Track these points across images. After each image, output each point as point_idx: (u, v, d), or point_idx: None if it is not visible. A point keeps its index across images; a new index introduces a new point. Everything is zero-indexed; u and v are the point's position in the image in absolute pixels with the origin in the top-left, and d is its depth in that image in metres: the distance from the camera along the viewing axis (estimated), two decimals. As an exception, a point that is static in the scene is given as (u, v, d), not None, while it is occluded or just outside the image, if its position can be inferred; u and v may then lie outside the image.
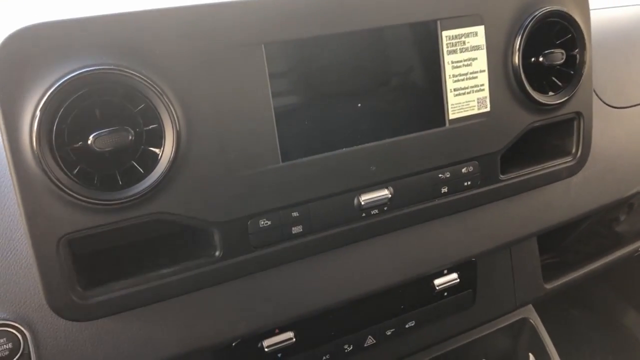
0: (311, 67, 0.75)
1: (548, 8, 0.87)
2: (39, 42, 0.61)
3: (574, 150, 0.99)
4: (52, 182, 0.61)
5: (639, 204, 1.41)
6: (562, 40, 0.92)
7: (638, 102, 1.17)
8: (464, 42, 0.83)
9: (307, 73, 0.75)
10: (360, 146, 0.79)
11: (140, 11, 0.65)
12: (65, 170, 0.62)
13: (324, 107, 0.76)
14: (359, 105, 0.78)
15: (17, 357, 0.68)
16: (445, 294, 1.02)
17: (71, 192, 0.62)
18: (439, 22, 0.81)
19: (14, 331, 0.68)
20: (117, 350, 0.73)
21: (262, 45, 0.70)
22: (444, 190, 0.86)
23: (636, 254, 1.47)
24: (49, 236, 0.63)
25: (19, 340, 0.68)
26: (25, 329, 0.69)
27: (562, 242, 1.44)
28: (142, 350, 0.75)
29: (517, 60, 0.87)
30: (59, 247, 0.64)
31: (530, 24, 0.86)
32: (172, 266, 0.71)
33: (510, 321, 1.19)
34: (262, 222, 0.74)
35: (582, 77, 0.92)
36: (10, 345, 0.68)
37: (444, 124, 0.84)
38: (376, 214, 0.82)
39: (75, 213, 0.64)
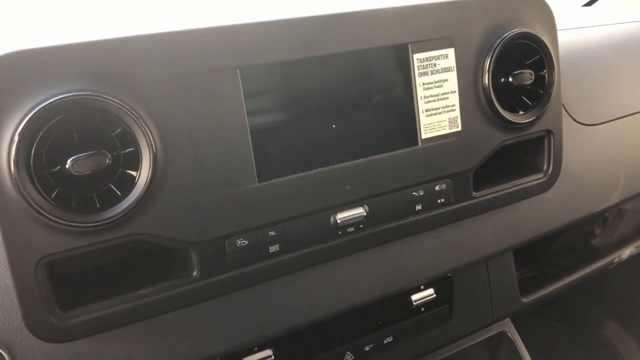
0: (286, 90, 0.77)
1: (516, 30, 0.90)
2: (18, 69, 0.62)
3: (545, 167, 1.02)
4: (30, 205, 0.62)
5: (613, 218, 1.44)
6: (530, 60, 0.94)
7: (607, 119, 1.21)
8: (435, 64, 0.86)
9: (282, 95, 0.77)
10: (335, 166, 0.80)
11: (116, 38, 0.67)
12: (44, 193, 0.63)
13: (300, 128, 0.78)
14: (334, 126, 0.80)
15: (-5, 379, 0.69)
16: (423, 309, 1.04)
17: (49, 215, 0.63)
18: (410, 46, 0.83)
19: (-8, 353, 0.69)
20: (96, 371, 0.74)
21: (238, 70, 0.72)
22: (418, 207, 0.88)
23: (611, 267, 1.50)
24: (27, 258, 0.64)
25: (-2, 362, 0.69)
26: (4, 351, 0.69)
27: (540, 257, 1.46)
28: (121, 370, 0.75)
29: (487, 81, 0.89)
30: (37, 269, 0.65)
31: (500, 45, 0.89)
32: (150, 286, 0.72)
33: (488, 335, 1.20)
34: (239, 242, 0.76)
35: (551, 97, 0.95)
36: (-12, 367, 0.68)
37: (417, 144, 0.86)
38: (352, 231, 0.84)
39: (54, 235, 0.65)
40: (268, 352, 0.89)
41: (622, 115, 1.23)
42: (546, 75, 0.95)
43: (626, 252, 1.53)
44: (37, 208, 0.62)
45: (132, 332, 0.75)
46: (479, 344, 1.19)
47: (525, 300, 1.26)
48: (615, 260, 1.51)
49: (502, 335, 1.22)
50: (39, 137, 0.62)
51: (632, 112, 1.25)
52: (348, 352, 0.98)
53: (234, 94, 0.72)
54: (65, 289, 0.71)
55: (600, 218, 1.41)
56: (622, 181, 1.22)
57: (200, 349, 0.80)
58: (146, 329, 0.75)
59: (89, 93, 0.64)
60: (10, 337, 0.70)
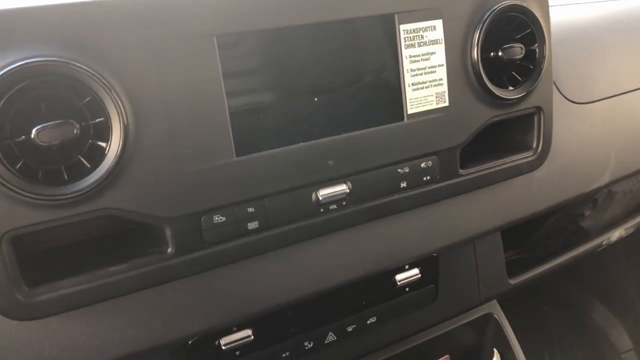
0: (266, 60, 0.74)
1: (507, 2, 0.87)
2: None
3: (534, 145, 1.00)
4: None
5: (603, 200, 1.42)
6: (521, 34, 0.92)
7: (599, 98, 1.18)
8: (422, 36, 0.83)
9: (262, 66, 0.74)
10: (317, 140, 0.78)
11: (86, 1, 0.63)
12: (7, 164, 0.60)
13: (280, 100, 0.75)
14: (316, 99, 0.77)
15: (-40, 358, 0.66)
16: (407, 289, 1.02)
17: (13, 187, 0.60)
18: (396, 16, 0.80)
19: (-43, 331, 0.66)
20: (67, 350, 0.72)
21: (214, 37, 0.69)
22: (403, 185, 0.86)
23: (600, 249, 1.49)
24: None
25: (-38, 340, 0.66)
26: (-32, 329, 0.67)
27: (528, 238, 1.45)
28: (93, 349, 0.73)
29: (476, 55, 0.87)
30: (1, 244, 0.62)
31: (489, 18, 0.86)
32: (122, 263, 0.70)
33: (475, 316, 1.19)
34: (217, 218, 0.73)
35: (542, 72, 0.93)
36: (-47, 346, 0.66)
37: (403, 119, 0.83)
38: (335, 209, 0.81)
39: (19, 209, 0.62)
40: (247, 332, 0.87)
41: (615, 94, 1.21)
42: (537, 50, 0.92)
43: (615, 235, 1.52)
44: (1, 180, 0.59)
45: (105, 311, 0.72)
46: (464, 326, 1.17)
47: (512, 281, 1.25)
48: (604, 242, 1.50)
49: (488, 317, 1.21)
50: (0, 104, 0.59)
51: (624, 91, 1.23)
52: (330, 333, 0.96)
53: (211, 63, 0.69)
54: (34, 266, 0.68)
55: (590, 199, 1.39)
56: (613, 161, 1.20)
57: (176, 329, 0.78)
58: (119, 307, 0.73)
59: (56, 59, 0.60)
60: (-25, 315, 0.67)
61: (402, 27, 0.81)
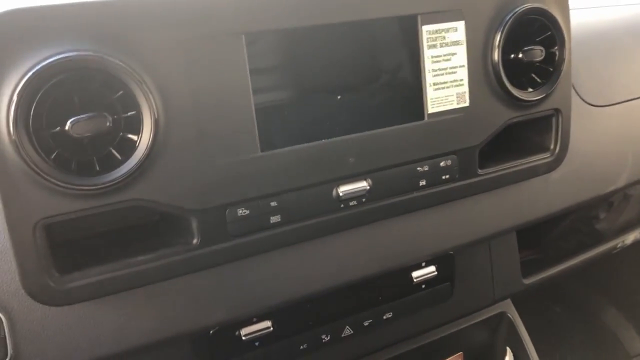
0: (292, 58, 0.75)
1: (528, 5, 0.88)
2: (18, 27, 0.61)
3: (552, 147, 1.00)
4: (29, 166, 0.61)
5: (619, 202, 1.43)
6: (541, 37, 0.93)
7: (617, 101, 1.19)
8: (444, 37, 0.84)
9: (288, 64, 0.75)
10: (339, 138, 0.79)
11: None
12: (43, 155, 0.62)
13: (304, 98, 0.77)
14: (339, 97, 0.79)
15: (-8, 340, 0.69)
16: (423, 286, 1.03)
17: (48, 177, 0.62)
18: (419, 17, 0.82)
19: (-11, 315, 0.68)
20: (93, 336, 0.74)
21: (243, 35, 0.71)
22: (422, 183, 0.87)
23: (614, 251, 1.49)
24: (25, 220, 0.63)
25: (-5, 324, 0.69)
26: (1, 313, 0.69)
27: (543, 239, 1.45)
28: (118, 336, 0.75)
29: (496, 56, 0.88)
30: (35, 232, 0.64)
31: (511, 20, 0.87)
32: (149, 253, 0.72)
33: (488, 315, 1.20)
34: (240, 211, 0.75)
35: (561, 74, 0.94)
36: (-15, 329, 0.68)
37: (423, 118, 0.85)
38: (354, 205, 0.83)
39: (52, 198, 0.64)
40: (267, 323, 0.89)
41: (633, 97, 1.22)
42: (557, 53, 0.93)
43: (630, 238, 1.52)
44: (36, 169, 0.61)
45: (131, 299, 0.74)
46: (478, 324, 1.18)
47: (527, 281, 1.25)
48: (619, 245, 1.50)
49: (502, 316, 1.22)
50: (38, 97, 0.61)
51: (642, 95, 1.23)
52: (347, 327, 0.97)
53: (238, 60, 0.71)
54: (65, 253, 0.70)
55: (606, 202, 1.39)
56: (630, 164, 1.21)
57: (198, 318, 0.80)
58: (145, 296, 0.75)
59: (91, 53, 0.62)
60: (7, 300, 0.69)
61: (425, 27, 0.82)
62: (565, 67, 0.94)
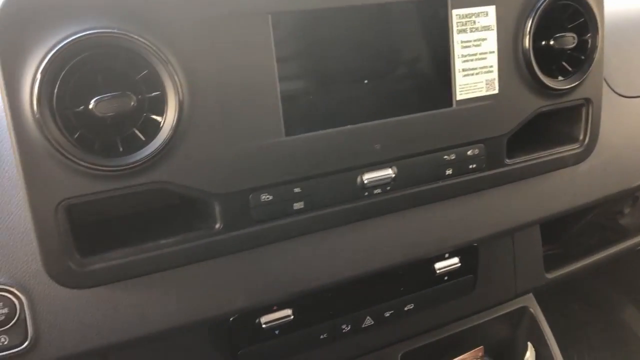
0: (318, 41, 0.74)
1: None
2: (42, 4, 0.59)
3: (581, 137, 0.98)
4: (52, 146, 0.60)
5: (644, 197, 1.40)
6: (574, 24, 0.90)
7: (649, 92, 1.16)
8: (474, 22, 0.82)
9: (314, 47, 0.74)
10: (365, 123, 0.77)
11: None
12: (66, 134, 0.61)
13: (330, 82, 0.75)
14: (366, 82, 0.77)
15: (13, 322, 0.68)
16: (446, 278, 1.02)
17: (71, 157, 0.61)
18: (449, 0, 0.80)
19: (10, 296, 0.67)
20: (113, 320, 0.73)
21: (269, 15, 0.69)
22: (449, 172, 0.85)
23: (638, 248, 1.46)
24: (47, 201, 0.62)
25: (15, 305, 0.68)
26: (22, 294, 0.68)
27: (565, 234, 1.43)
28: (138, 321, 0.74)
29: (527, 43, 0.85)
30: (57, 212, 0.63)
31: (543, 6, 0.85)
32: (171, 237, 0.70)
33: (510, 309, 1.18)
34: (264, 197, 0.73)
35: (593, 63, 0.91)
36: (6, 310, 0.67)
37: (451, 105, 0.83)
38: (379, 193, 0.81)
39: (75, 178, 0.63)
40: (287, 311, 0.87)
41: (664, 89, 1.18)
42: (589, 40, 0.91)
43: (655, 234, 1.49)
44: (59, 148, 0.60)
45: (152, 283, 0.73)
46: (500, 318, 1.17)
47: (549, 276, 1.23)
48: (644, 241, 1.47)
49: (524, 310, 1.20)
50: (62, 75, 0.60)
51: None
52: (368, 317, 0.96)
53: (264, 41, 0.69)
54: (86, 235, 0.69)
55: (631, 197, 1.37)
56: (659, 158, 1.18)
57: (219, 304, 0.78)
58: (166, 280, 0.74)
59: (115, 30, 0.61)
60: (28, 281, 0.68)
61: (455, 11, 0.80)
62: (597, 55, 0.91)
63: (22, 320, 0.68)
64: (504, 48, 0.85)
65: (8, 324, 0.68)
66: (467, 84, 0.83)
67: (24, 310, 0.68)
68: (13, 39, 0.59)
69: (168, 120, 0.65)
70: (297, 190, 0.75)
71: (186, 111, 0.66)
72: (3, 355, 0.68)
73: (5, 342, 0.68)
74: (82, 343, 0.72)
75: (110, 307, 0.72)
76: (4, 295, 0.67)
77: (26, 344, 0.69)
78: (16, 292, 0.68)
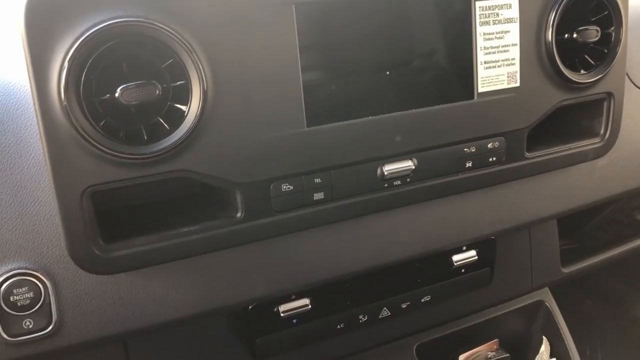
0: (341, 32, 0.74)
1: None
2: None
3: (602, 132, 0.97)
4: (78, 133, 0.61)
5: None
6: (597, 17, 0.89)
7: (670, 87, 1.15)
8: (498, 14, 0.82)
9: (337, 38, 0.74)
10: (386, 115, 0.77)
11: None
12: (92, 122, 0.62)
13: (352, 73, 0.75)
14: (387, 73, 0.77)
15: (37, 306, 0.69)
16: (463, 270, 1.02)
17: (97, 144, 0.62)
18: None
19: (35, 281, 0.69)
20: (134, 306, 0.74)
21: (293, 6, 0.69)
22: (469, 164, 0.85)
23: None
24: (73, 187, 0.63)
25: (40, 290, 0.69)
26: (46, 279, 0.69)
27: (582, 229, 1.42)
28: (159, 307, 0.75)
29: (550, 36, 0.85)
30: (82, 199, 0.64)
31: (566, -2, 0.84)
32: (193, 225, 0.71)
33: (526, 303, 1.18)
34: (285, 187, 0.74)
35: (616, 57, 0.90)
36: (31, 294, 0.68)
37: (473, 97, 0.82)
38: (399, 185, 0.81)
39: (100, 165, 0.64)
40: (305, 301, 0.88)
41: (686, 84, 1.17)
42: (613, 34, 0.90)
43: (672, 230, 1.48)
44: (85, 136, 0.61)
45: (174, 270, 0.74)
46: (515, 311, 1.17)
47: (565, 270, 1.23)
48: (661, 238, 1.46)
49: (539, 305, 1.20)
50: (89, 63, 0.61)
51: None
52: (385, 308, 0.96)
53: (288, 32, 0.70)
54: (110, 223, 0.70)
55: (649, 192, 1.36)
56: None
57: (239, 292, 0.79)
58: (188, 268, 0.75)
59: (142, 19, 0.61)
60: (52, 265, 0.70)
61: (478, 3, 0.80)
62: (620, 49, 0.90)
63: (46, 305, 0.69)
64: (527, 41, 0.84)
65: (33, 308, 0.69)
66: (489, 77, 0.83)
67: (49, 295, 0.69)
68: (41, 27, 0.59)
69: (192, 109, 0.65)
70: (317, 180, 0.76)
71: (210, 101, 0.66)
72: (28, 338, 0.69)
73: (31, 326, 0.69)
74: (105, 328, 0.73)
75: (133, 293, 0.73)
76: (29, 280, 0.68)
77: (50, 327, 0.70)
78: (41, 276, 0.69)
